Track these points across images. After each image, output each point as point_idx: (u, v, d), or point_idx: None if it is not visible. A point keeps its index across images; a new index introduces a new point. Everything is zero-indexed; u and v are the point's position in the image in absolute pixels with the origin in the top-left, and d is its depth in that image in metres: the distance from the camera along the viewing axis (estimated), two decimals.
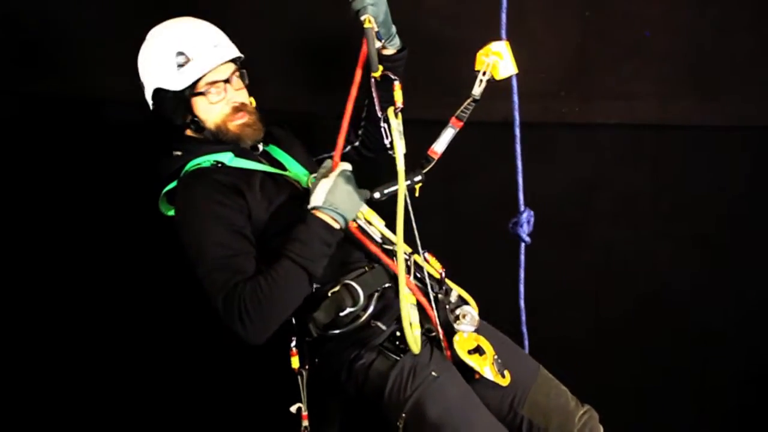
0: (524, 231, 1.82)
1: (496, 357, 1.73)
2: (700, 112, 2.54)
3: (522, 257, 1.89)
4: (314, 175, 1.76)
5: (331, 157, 1.73)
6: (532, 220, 1.86)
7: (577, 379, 2.72)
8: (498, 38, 1.69)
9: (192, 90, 1.75)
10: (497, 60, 1.67)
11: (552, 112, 2.53)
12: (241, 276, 1.59)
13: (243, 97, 1.84)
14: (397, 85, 1.66)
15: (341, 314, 1.68)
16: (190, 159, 1.78)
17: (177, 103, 1.77)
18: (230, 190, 1.70)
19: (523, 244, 1.86)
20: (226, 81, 1.79)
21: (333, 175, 1.67)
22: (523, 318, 1.97)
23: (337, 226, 1.64)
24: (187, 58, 1.74)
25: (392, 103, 1.65)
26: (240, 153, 1.81)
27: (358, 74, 1.67)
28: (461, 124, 1.70)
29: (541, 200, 2.59)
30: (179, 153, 1.81)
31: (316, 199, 1.65)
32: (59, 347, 2.74)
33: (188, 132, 1.83)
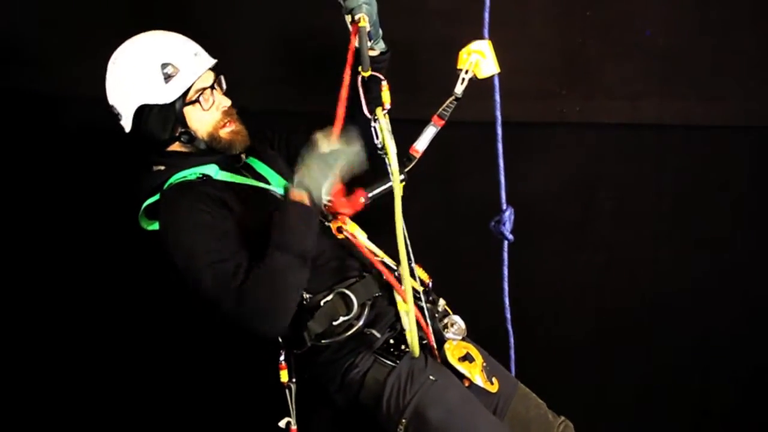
0: (507, 229, 1.83)
1: (484, 364, 1.75)
2: (700, 112, 2.54)
3: (505, 255, 1.88)
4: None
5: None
6: (513, 218, 1.87)
7: (578, 379, 2.75)
8: (481, 37, 1.69)
9: (183, 100, 1.73)
10: (479, 59, 1.67)
11: (552, 111, 2.53)
12: (241, 277, 1.58)
13: (228, 101, 1.82)
14: (384, 85, 1.66)
15: (335, 323, 1.67)
16: (174, 173, 1.75)
17: (166, 117, 1.73)
18: (216, 202, 1.68)
19: (506, 242, 1.85)
20: (212, 87, 1.78)
21: (312, 155, 1.65)
22: (508, 315, 1.96)
23: (303, 200, 1.61)
24: (174, 68, 1.70)
25: (377, 103, 1.65)
26: (225, 166, 1.80)
27: (348, 74, 1.66)
28: (443, 122, 1.71)
29: (541, 200, 2.62)
30: (161, 168, 1.77)
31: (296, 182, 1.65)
32: (38, 350, 2.73)
33: (174, 146, 1.79)
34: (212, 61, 1.79)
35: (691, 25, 2.47)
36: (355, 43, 1.64)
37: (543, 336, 2.73)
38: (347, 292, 1.68)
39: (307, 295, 1.69)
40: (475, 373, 1.71)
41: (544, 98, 2.52)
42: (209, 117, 1.76)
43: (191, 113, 1.75)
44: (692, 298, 2.71)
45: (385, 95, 1.65)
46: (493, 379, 1.75)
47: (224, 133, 1.78)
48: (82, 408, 2.76)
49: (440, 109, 1.70)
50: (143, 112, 1.73)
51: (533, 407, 1.87)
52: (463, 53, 1.68)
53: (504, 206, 1.81)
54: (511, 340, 2.01)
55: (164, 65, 1.69)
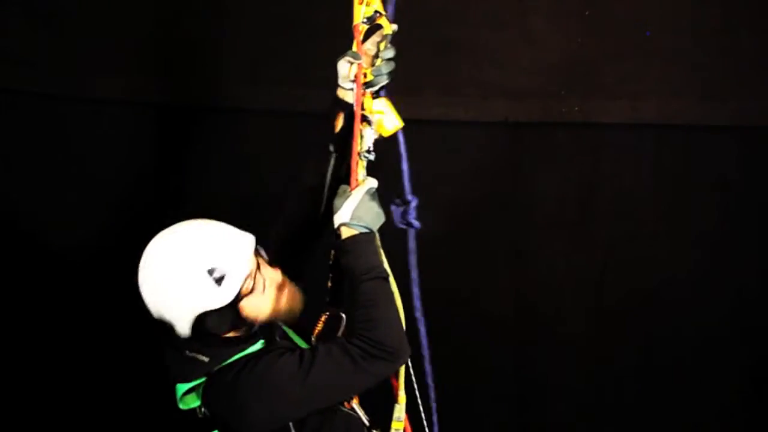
0: (413, 216, 1.79)
1: None
2: (700, 112, 2.54)
3: (412, 243, 1.83)
4: (341, 194, 1.68)
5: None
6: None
7: (578, 377, 2.75)
8: (377, 97, 1.69)
9: (239, 296, 1.59)
10: (381, 117, 1.67)
11: (552, 111, 2.54)
12: (344, 343, 1.54)
13: (278, 273, 1.68)
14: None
15: None
16: (219, 363, 1.61)
17: (224, 316, 1.59)
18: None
19: (412, 231, 1.82)
20: (258, 267, 1.63)
21: (359, 191, 1.63)
22: (418, 304, 1.89)
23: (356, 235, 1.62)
24: (221, 273, 1.55)
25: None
26: (268, 344, 1.68)
27: (360, 73, 1.67)
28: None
29: (541, 199, 2.62)
30: (205, 359, 1.61)
31: (342, 216, 1.62)
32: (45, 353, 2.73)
33: (230, 334, 1.66)
34: (251, 245, 1.63)
35: (691, 25, 2.47)
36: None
37: (544, 334, 2.74)
38: None
39: None
40: None
41: (543, 98, 2.52)
42: (266, 299, 1.64)
43: (248, 303, 1.61)
44: (691, 296, 2.71)
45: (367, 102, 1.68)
46: None
47: (284, 303, 1.67)
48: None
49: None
50: (201, 318, 1.58)
51: None
52: (366, 113, 1.69)
53: (409, 197, 1.78)
54: (422, 328, 1.92)
55: (210, 271, 1.55)
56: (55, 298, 2.69)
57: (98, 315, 2.70)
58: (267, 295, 1.64)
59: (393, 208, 1.73)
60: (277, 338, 1.68)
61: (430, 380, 1.81)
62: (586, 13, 2.46)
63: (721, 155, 2.61)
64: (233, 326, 1.63)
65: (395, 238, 1.71)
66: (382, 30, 1.67)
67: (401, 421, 1.74)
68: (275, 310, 1.66)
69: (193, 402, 1.65)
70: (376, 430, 1.72)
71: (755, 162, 2.61)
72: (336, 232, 1.65)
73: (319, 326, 1.73)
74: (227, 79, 2.58)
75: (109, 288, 2.68)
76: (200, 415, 1.65)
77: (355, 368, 1.51)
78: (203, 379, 1.61)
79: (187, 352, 1.60)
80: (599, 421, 2.79)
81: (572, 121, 2.55)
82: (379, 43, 1.69)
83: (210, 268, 1.55)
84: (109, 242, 2.65)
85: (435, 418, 1.83)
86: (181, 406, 1.68)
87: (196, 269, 1.55)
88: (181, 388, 1.64)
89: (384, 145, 1.68)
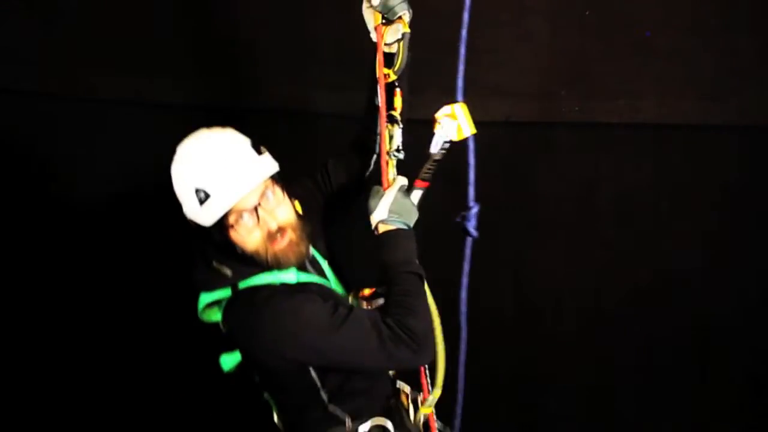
0: (472, 225, 1.80)
1: None
2: (700, 112, 2.54)
3: (468, 251, 1.84)
4: (375, 195, 1.71)
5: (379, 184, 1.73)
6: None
7: (578, 377, 2.76)
8: (455, 100, 1.69)
9: (221, 224, 1.58)
10: (456, 123, 1.68)
11: (552, 111, 2.54)
12: (378, 319, 1.55)
13: (281, 216, 1.61)
14: (398, 91, 1.70)
15: None
16: (240, 279, 1.63)
17: (214, 234, 1.61)
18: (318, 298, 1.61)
19: (470, 239, 1.82)
20: (256, 207, 1.58)
21: (392, 190, 1.67)
22: (464, 309, 1.91)
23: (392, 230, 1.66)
24: (206, 195, 1.55)
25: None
26: (301, 277, 1.67)
27: (382, 75, 1.68)
28: (426, 184, 1.72)
29: (541, 200, 2.62)
30: (228, 272, 1.63)
31: (380, 214, 1.65)
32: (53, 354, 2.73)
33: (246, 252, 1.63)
34: (254, 182, 1.57)
35: (690, 25, 2.47)
36: (387, 44, 1.68)
37: (544, 333, 2.74)
38: (385, 425, 1.71)
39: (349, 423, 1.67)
40: None
41: (543, 98, 2.52)
42: (251, 238, 1.60)
43: (232, 234, 1.60)
44: (691, 296, 2.71)
45: (399, 101, 1.72)
46: None
47: (271, 250, 1.61)
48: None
49: (421, 173, 1.71)
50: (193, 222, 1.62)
51: None
52: (439, 116, 1.69)
53: (471, 203, 1.78)
54: (464, 334, 1.94)
55: (197, 190, 1.56)
56: (55, 299, 2.70)
57: (99, 314, 2.70)
58: (251, 237, 1.60)
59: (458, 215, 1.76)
60: (308, 265, 1.70)
61: (461, 384, 1.87)
62: (586, 13, 2.46)
63: (721, 155, 2.61)
64: (227, 246, 1.61)
65: None
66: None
67: (431, 406, 1.76)
68: (258, 251, 1.61)
69: (214, 315, 1.67)
70: (401, 380, 1.78)
71: (755, 162, 2.61)
72: (374, 231, 1.66)
73: (366, 291, 1.74)
74: (228, 79, 2.58)
75: (110, 287, 2.69)
76: (224, 330, 1.68)
77: (379, 346, 1.52)
78: (227, 295, 1.63)
79: (214, 263, 1.64)
80: (599, 421, 2.80)
81: (572, 121, 2.55)
82: (398, 41, 1.70)
83: (197, 187, 1.57)
84: (110, 242, 2.66)
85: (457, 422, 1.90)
86: (203, 318, 1.70)
87: (188, 181, 1.59)
88: (204, 298, 1.66)
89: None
